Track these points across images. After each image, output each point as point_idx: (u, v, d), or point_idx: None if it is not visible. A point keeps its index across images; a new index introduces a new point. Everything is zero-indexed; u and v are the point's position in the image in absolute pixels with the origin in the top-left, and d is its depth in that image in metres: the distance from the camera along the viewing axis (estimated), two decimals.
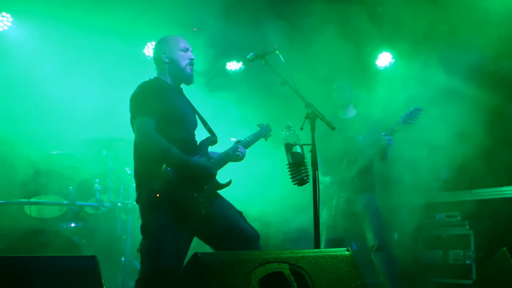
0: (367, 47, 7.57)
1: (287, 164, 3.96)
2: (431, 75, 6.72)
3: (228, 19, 7.15)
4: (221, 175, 4.17)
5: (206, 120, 4.38)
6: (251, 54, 4.25)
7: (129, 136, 6.57)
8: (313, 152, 3.81)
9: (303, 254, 3.16)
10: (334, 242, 5.55)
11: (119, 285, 5.94)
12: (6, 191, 5.80)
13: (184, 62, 4.22)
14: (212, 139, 4.26)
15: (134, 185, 6.36)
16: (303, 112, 3.89)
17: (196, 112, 4.33)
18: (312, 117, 3.85)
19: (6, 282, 2.71)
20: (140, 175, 4.02)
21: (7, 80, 6.67)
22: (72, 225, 6.13)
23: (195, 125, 4.27)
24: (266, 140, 4.72)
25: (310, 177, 3.89)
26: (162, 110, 3.95)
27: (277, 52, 4.20)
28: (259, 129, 4.64)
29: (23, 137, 6.26)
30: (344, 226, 5.70)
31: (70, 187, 6.07)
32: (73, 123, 6.84)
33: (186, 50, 4.26)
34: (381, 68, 8.05)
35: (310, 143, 3.85)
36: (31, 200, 5.92)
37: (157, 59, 4.27)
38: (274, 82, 4.23)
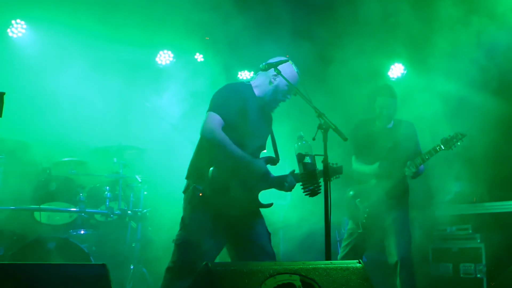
0: (380, 58, 7.56)
1: (299, 175, 3.94)
2: (443, 86, 6.70)
3: (240, 28, 7.16)
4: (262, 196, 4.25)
5: (277, 144, 4.46)
6: (263, 63, 4.25)
7: (140, 144, 6.66)
8: (325, 162, 3.78)
9: (314, 266, 3.13)
10: (354, 256, 5.33)
11: None
12: (16, 197, 5.81)
13: (280, 97, 4.32)
14: (272, 159, 4.31)
15: (145, 193, 6.48)
16: (315, 122, 3.87)
17: (270, 132, 4.44)
18: (325, 127, 3.82)
19: None
20: (191, 168, 4.19)
21: (20, 86, 6.71)
22: (82, 232, 6.13)
23: (260, 142, 4.37)
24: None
25: (322, 188, 3.84)
26: (234, 115, 4.10)
27: (290, 62, 4.20)
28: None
29: (35, 144, 6.29)
30: (368, 240, 5.58)
31: (81, 194, 6.08)
32: (85, 130, 6.87)
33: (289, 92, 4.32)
34: (393, 79, 8.04)
35: (323, 153, 3.82)
36: (42, 206, 5.91)
37: (268, 72, 4.30)
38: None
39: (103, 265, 3.00)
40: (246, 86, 4.36)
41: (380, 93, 5.69)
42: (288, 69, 4.26)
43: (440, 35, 6.77)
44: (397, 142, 5.58)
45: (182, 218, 4.13)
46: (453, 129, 5.50)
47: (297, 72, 4.25)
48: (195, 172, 4.13)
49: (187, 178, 4.19)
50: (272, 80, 4.28)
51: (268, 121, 4.45)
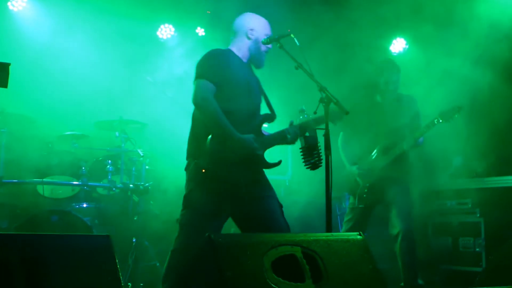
0: (382, 32, 7.53)
1: (300, 148, 3.96)
2: (446, 61, 6.68)
3: (241, 2, 7.12)
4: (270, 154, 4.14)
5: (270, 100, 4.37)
6: (265, 37, 4.24)
7: (142, 118, 6.67)
8: (327, 136, 3.80)
9: (315, 238, 3.17)
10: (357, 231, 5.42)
11: (130, 266, 5.97)
12: (20, 171, 5.84)
13: (264, 47, 4.27)
14: (269, 116, 4.24)
15: (147, 167, 6.50)
16: (317, 96, 3.88)
17: (261, 90, 4.35)
18: (326, 101, 3.83)
19: (21, 260, 2.74)
20: (191, 144, 4.09)
21: (22, 60, 6.69)
22: (84, 205, 6.17)
23: (254, 101, 4.25)
24: (335, 125, 4.38)
25: (323, 161, 3.87)
26: (225, 79, 3.98)
27: (292, 35, 4.18)
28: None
29: (37, 118, 6.29)
30: (369, 215, 5.69)
31: (83, 168, 6.10)
32: (87, 104, 6.89)
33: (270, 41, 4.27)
34: (395, 54, 8.03)
35: (324, 127, 3.83)
36: (44, 180, 5.95)
37: (240, 31, 4.27)
38: (288, 65, 4.22)
39: (107, 236, 3.04)
40: (228, 50, 4.26)
41: (387, 68, 5.69)
42: (264, 24, 4.30)
43: (444, 10, 6.74)
44: (398, 117, 5.61)
45: (185, 197, 4.01)
46: (453, 105, 5.53)
47: (297, 45, 4.19)
48: (194, 148, 4.02)
49: (187, 157, 4.08)
50: (250, 35, 4.24)
51: (257, 81, 4.37)
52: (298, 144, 4.09)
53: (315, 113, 3.88)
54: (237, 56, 4.23)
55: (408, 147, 5.50)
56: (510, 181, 6.31)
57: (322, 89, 3.87)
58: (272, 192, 4.17)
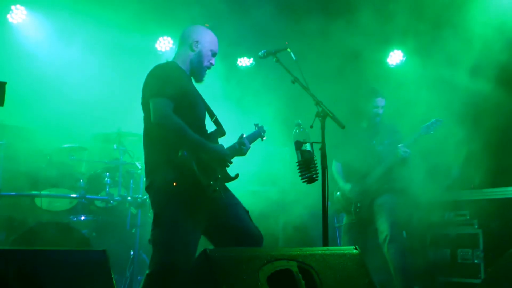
0: (378, 44, 7.55)
1: (296, 162, 3.96)
2: (443, 72, 6.70)
3: (240, 14, 7.16)
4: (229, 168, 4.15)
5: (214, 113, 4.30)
6: (262, 51, 4.25)
7: (140, 131, 6.66)
8: (323, 150, 3.81)
9: (311, 252, 3.18)
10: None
11: (127, 278, 5.97)
12: (17, 183, 5.85)
13: (206, 63, 4.19)
14: (221, 131, 4.19)
15: (145, 179, 6.49)
16: (313, 110, 3.89)
17: (205, 103, 4.24)
18: (323, 115, 3.85)
19: (17, 275, 2.74)
20: (152, 162, 3.89)
21: (22, 72, 6.72)
22: (82, 218, 6.17)
23: (204, 115, 4.19)
24: (262, 140, 4.65)
25: (319, 175, 3.88)
26: (178, 94, 3.86)
27: (288, 49, 4.20)
28: (257, 129, 4.57)
29: (35, 130, 6.31)
30: (366, 229, 5.84)
31: (81, 181, 6.12)
32: (85, 117, 6.91)
33: (214, 55, 4.24)
34: (392, 66, 8.04)
35: (320, 141, 3.85)
36: (42, 192, 5.95)
37: (185, 42, 4.18)
38: (285, 79, 4.24)
39: (103, 251, 3.03)
40: (173, 63, 4.14)
41: (376, 94, 6.03)
42: (211, 39, 4.22)
43: (441, 21, 6.76)
44: (379, 139, 5.95)
45: (156, 215, 3.77)
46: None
47: (294, 59, 4.19)
48: (159, 163, 3.82)
49: (150, 173, 3.88)
50: (194, 47, 4.14)
51: (199, 93, 4.23)
52: (295, 157, 4.08)
53: (311, 127, 3.90)
54: (182, 69, 4.14)
55: (387, 167, 5.79)
56: (508, 192, 6.30)
57: (318, 103, 3.89)
58: (237, 199, 4.10)
